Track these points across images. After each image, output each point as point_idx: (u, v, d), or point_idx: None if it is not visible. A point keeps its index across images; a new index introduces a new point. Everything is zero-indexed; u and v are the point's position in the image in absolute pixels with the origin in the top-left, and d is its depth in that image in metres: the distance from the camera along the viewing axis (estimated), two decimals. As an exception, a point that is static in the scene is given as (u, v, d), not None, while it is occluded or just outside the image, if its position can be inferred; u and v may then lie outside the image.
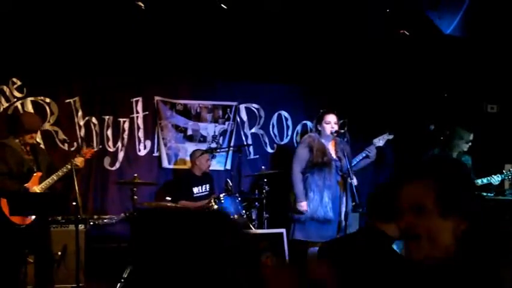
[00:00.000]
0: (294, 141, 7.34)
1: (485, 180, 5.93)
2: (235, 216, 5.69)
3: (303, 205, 5.69)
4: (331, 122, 5.73)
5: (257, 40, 6.60)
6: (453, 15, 5.94)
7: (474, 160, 6.19)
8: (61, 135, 6.39)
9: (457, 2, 5.90)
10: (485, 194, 5.96)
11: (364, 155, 5.95)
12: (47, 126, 6.40)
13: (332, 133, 5.71)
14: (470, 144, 6.09)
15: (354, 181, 5.48)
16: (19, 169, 5.10)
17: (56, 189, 5.36)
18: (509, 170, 6.02)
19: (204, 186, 6.54)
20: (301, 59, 6.97)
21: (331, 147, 5.80)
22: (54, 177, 5.21)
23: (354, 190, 5.39)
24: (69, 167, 5.15)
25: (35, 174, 5.19)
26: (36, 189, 5.15)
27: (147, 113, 6.84)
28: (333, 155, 5.73)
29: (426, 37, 6.43)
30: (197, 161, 6.51)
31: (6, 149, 5.09)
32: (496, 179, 5.95)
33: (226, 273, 1.09)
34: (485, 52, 6.56)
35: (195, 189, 6.48)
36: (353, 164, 5.77)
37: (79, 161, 5.23)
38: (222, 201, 5.81)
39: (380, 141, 6.02)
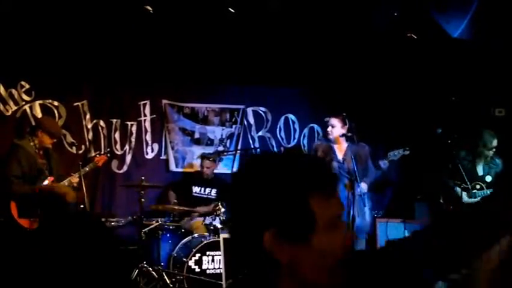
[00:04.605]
0: (301, 144, 7.33)
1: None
2: None
3: None
4: (330, 126, 5.83)
5: (264, 44, 6.60)
6: (461, 19, 5.93)
7: None
8: (69, 139, 6.40)
9: (464, 5, 5.89)
10: (481, 192, 5.85)
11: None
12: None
13: (332, 137, 5.80)
14: (494, 150, 5.81)
15: (363, 186, 5.50)
16: (31, 172, 5.13)
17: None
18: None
19: (208, 188, 6.53)
20: (309, 62, 6.96)
21: (338, 150, 5.81)
22: (65, 182, 5.25)
23: (361, 193, 5.40)
24: (82, 172, 5.21)
25: (48, 178, 5.22)
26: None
27: (155, 116, 6.86)
28: (340, 157, 5.74)
29: (434, 41, 6.42)
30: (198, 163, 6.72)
31: (20, 151, 5.12)
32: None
33: None
34: (493, 56, 6.54)
35: (194, 189, 6.51)
36: None
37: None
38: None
39: (394, 156, 6.04)
